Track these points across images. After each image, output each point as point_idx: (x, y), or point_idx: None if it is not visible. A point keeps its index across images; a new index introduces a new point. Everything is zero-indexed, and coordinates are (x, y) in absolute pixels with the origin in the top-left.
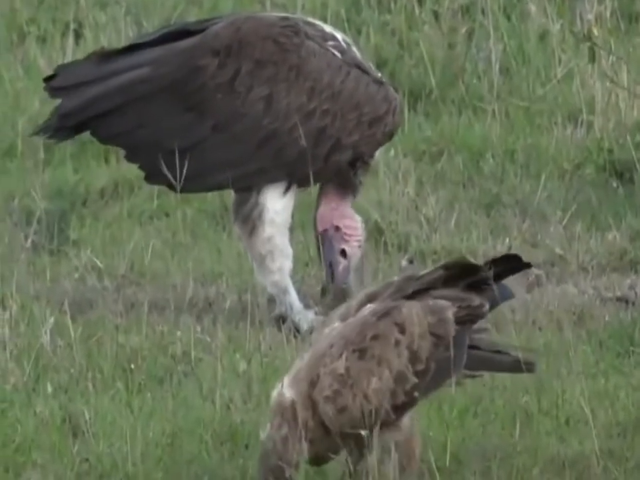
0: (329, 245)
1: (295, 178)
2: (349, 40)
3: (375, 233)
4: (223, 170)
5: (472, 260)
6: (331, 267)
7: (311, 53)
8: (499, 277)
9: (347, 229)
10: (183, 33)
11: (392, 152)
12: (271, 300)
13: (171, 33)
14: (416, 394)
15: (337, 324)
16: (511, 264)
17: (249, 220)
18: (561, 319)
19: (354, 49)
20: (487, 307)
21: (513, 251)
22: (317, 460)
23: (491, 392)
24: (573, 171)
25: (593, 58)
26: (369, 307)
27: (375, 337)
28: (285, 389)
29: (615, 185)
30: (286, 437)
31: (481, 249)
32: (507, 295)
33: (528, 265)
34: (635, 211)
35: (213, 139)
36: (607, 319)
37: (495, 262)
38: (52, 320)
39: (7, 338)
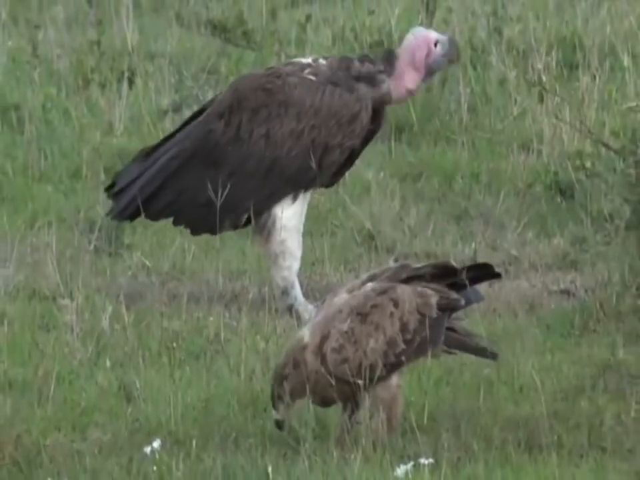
0: (425, 61)
1: (299, 187)
2: (322, 59)
3: (367, 239)
4: (243, 205)
5: (454, 264)
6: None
7: (292, 87)
8: (474, 281)
9: (418, 49)
10: (201, 111)
11: (382, 174)
12: (285, 293)
13: (192, 117)
14: (403, 358)
15: (344, 295)
16: (484, 271)
17: (265, 228)
18: (515, 308)
19: (325, 62)
20: (463, 301)
21: (478, 254)
22: (322, 403)
23: (460, 366)
24: (526, 189)
25: (541, 99)
26: (370, 285)
27: (374, 306)
28: (305, 334)
29: (559, 200)
30: (288, 375)
31: (452, 252)
32: (479, 297)
33: (498, 275)
34: (575, 221)
35: (230, 182)
36: (552, 307)
37: (471, 268)
38: (110, 309)
39: (74, 323)
